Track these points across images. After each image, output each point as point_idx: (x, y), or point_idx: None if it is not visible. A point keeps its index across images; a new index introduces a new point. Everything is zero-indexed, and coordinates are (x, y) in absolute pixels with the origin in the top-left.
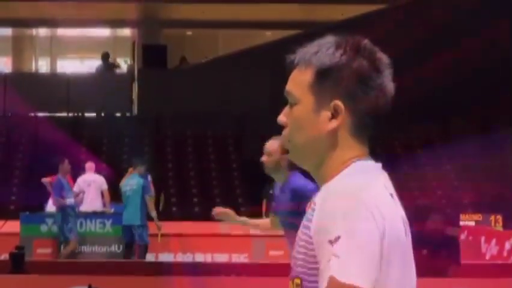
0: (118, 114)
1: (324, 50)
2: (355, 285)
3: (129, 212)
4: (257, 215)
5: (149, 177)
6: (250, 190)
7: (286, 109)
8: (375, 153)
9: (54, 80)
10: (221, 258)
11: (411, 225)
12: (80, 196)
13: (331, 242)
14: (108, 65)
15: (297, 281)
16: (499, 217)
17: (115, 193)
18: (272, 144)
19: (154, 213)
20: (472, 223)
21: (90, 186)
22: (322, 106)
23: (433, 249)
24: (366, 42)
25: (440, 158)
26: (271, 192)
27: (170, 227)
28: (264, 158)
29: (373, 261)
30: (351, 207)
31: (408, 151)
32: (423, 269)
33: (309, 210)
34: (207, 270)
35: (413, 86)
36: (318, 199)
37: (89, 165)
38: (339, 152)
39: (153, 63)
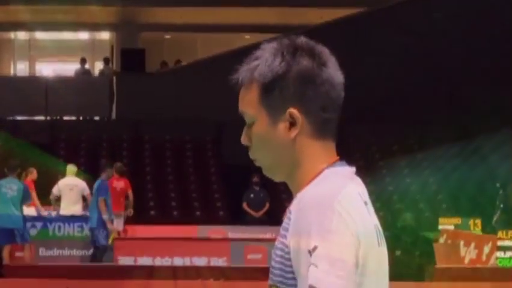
0: (97, 118)
1: (263, 63)
2: None
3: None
4: (236, 218)
5: (104, 179)
6: (229, 195)
7: (246, 129)
8: (352, 158)
9: (33, 83)
10: (200, 261)
11: (385, 227)
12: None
13: (309, 252)
14: (85, 70)
15: None
16: (478, 221)
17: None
18: None
19: (105, 216)
20: (451, 227)
21: (72, 190)
22: (277, 118)
23: (407, 251)
24: (302, 40)
25: (418, 163)
26: (251, 196)
27: (149, 230)
28: None
29: (350, 270)
30: (325, 216)
31: (385, 155)
32: (399, 272)
33: (285, 219)
34: (186, 274)
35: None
36: (293, 208)
37: (71, 168)
38: (307, 159)
39: (132, 67)
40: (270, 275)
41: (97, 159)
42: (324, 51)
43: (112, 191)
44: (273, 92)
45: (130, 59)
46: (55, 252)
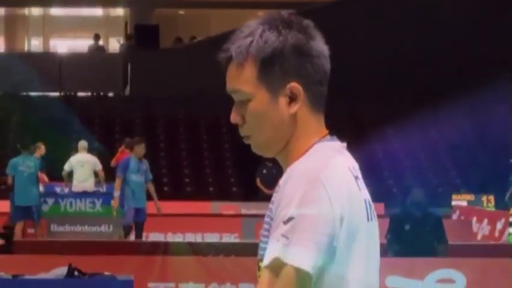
0: (111, 94)
1: (258, 38)
2: (297, 267)
3: None
4: (249, 194)
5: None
6: (242, 171)
7: (237, 107)
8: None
9: (47, 59)
10: (212, 238)
11: (395, 203)
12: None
13: (284, 223)
14: (98, 46)
15: (261, 263)
16: (491, 197)
17: (106, 173)
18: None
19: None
20: (464, 203)
21: (83, 167)
22: (277, 93)
23: (415, 225)
24: (289, 14)
25: (432, 139)
26: (264, 171)
27: (162, 206)
28: None
29: (321, 244)
30: (309, 189)
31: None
32: (409, 247)
33: (274, 194)
34: (197, 250)
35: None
36: (281, 181)
37: (83, 144)
38: (301, 133)
39: (145, 43)
40: (259, 250)
41: (111, 135)
42: (310, 25)
43: None
44: (273, 67)
45: (144, 35)
46: (67, 228)
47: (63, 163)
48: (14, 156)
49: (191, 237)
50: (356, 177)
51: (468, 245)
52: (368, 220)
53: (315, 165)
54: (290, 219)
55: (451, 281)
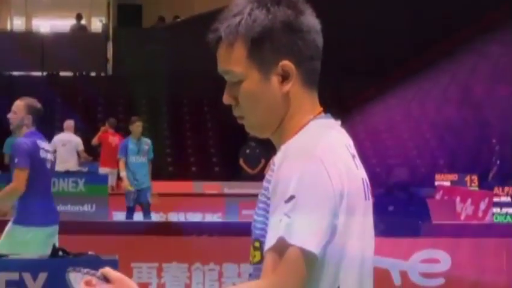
0: (93, 74)
1: (247, 17)
2: (303, 248)
3: None
4: (231, 173)
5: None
6: (225, 150)
7: (229, 88)
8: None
9: (30, 38)
10: (194, 217)
11: (379, 183)
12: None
13: (285, 202)
14: (81, 25)
15: (256, 244)
16: (475, 177)
17: (89, 153)
18: (17, 104)
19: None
20: (448, 183)
21: (65, 146)
22: (269, 72)
23: (399, 206)
24: None
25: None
26: (247, 151)
27: None
28: (9, 115)
29: (325, 224)
30: (307, 166)
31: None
32: (394, 229)
33: (268, 172)
34: (179, 230)
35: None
36: (276, 160)
37: (68, 123)
38: (295, 111)
39: (128, 22)
40: (252, 229)
41: (93, 114)
42: (300, 0)
43: (108, 146)
44: (263, 45)
45: (126, 14)
46: None
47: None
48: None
49: (174, 217)
50: (353, 156)
51: (452, 224)
52: (366, 199)
53: (311, 142)
54: (291, 197)
55: (435, 260)
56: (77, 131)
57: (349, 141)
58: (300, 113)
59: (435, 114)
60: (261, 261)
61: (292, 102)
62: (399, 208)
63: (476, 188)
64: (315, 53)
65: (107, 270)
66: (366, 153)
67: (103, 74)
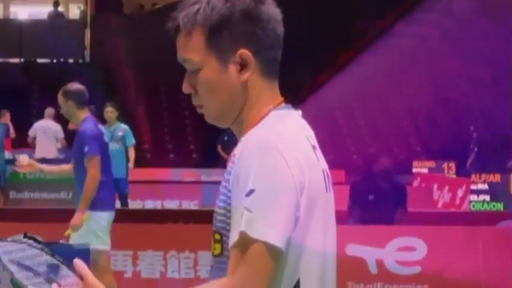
0: (71, 61)
1: (205, 5)
2: (266, 242)
3: None
4: (209, 161)
5: None
6: (202, 137)
7: (188, 77)
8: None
9: (7, 25)
10: (171, 204)
11: (360, 171)
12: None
13: (246, 195)
14: (58, 12)
15: (217, 236)
16: (452, 164)
17: (68, 141)
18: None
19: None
20: (425, 170)
21: (45, 133)
22: (227, 61)
23: (380, 195)
24: None
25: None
26: (225, 138)
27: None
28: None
29: (287, 217)
30: (267, 159)
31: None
32: (371, 216)
33: (229, 164)
34: (155, 217)
35: None
36: (237, 151)
37: (49, 111)
38: (255, 100)
39: (107, 8)
40: (214, 221)
41: None
42: None
43: None
44: (221, 34)
45: (105, 1)
46: (26, 195)
47: (24, 130)
48: None
49: (150, 205)
50: (314, 147)
51: (428, 212)
52: (327, 191)
53: (271, 133)
54: (251, 191)
55: (411, 248)
56: (56, 118)
57: (310, 132)
58: (260, 103)
59: (412, 101)
60: (221, 254)
61: (251, 91)
62: (380, 197)
63: (454, 176)
64: (275, 42)
65: (80, 267)
66: (344, 140)
67: (80, 61)
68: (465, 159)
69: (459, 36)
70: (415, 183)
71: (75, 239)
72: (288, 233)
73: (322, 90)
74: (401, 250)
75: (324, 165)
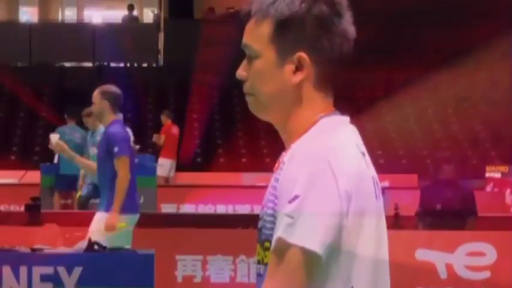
0: (144, 65)
1: (282, 0)
2: (303, 247)
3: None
4: None
5: None
6: (275, 142)
7: (245, 63)
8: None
9: (81, 29)
10: (243, 209)
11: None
12: None
13: (289, 202)
14: (132, 16)
15: (267, 244)
16: None
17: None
18: (94, 93)
19: None
20: (498, 175)
21: None
22: (285, 59)
23: (446, 204)
24: None
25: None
26: None
27: (194, 177)
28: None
29: (328, 225)
30: (313, 168)
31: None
32: (440, 223)
33: (277, 171)
34: (226, 222)
35: None
36: (286, 159)
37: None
38: (305, 107)
39: (180, 13)
40: (262, 229)
41: (144, 106)
42: (343, 2)
43: (172, 138)
44: (287, 31)
45: (178, 5)
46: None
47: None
48: (51, 127)
49: (222, 209)
50: (363, 154)
51: (498, 217)
52: (376, 198)
53: (321, 143)
54: (295, 197)
55: (481, 254)
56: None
57: (359, 139)
58: (308, 110)
59: (486, 107)
60: None
61: (300, 95)
62: (446, 206)
63: None
64: (337, 57)
65: None
66: (417, 146)
67: (154, 65)
68: None
69: None
70: (488, 188)
71: (108, 241)
72: (329, 241)
73: (397, 93)
74: (470, 255)
75: (373, 172)
